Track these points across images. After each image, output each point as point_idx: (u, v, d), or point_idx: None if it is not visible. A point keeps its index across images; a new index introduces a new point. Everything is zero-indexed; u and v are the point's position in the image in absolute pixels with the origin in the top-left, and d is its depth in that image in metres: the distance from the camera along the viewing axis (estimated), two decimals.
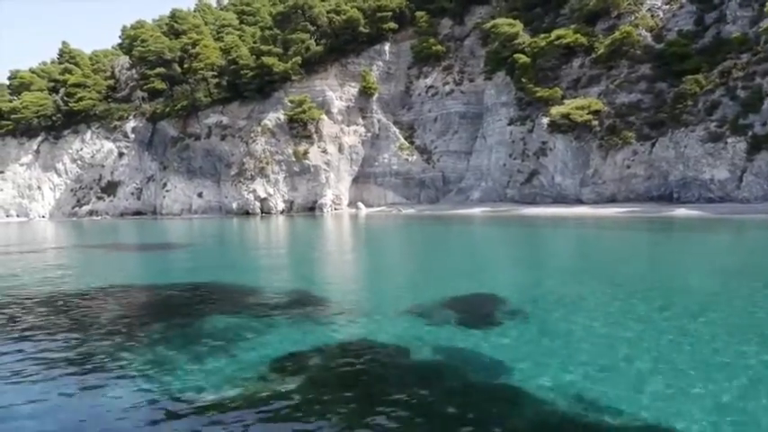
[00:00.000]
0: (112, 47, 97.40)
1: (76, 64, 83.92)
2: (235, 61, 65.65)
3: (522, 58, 50.40)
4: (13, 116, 74.51)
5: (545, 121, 47.75)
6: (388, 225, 39.59)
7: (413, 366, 7.63)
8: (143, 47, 70.82)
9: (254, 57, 64.83)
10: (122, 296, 13.69)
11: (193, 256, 22.82)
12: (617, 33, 46.01)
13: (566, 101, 46.16)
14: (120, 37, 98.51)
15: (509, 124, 51.53)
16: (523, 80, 49.57)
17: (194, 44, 68.73)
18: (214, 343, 8.81)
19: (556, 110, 45.07)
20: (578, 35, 48.24)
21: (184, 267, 19.41)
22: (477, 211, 47.69)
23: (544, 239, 26.28)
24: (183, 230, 41.62)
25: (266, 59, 63.47)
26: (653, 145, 40.79)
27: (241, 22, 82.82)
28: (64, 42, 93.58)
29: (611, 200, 42.00)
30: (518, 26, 53.25)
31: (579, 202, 44.23)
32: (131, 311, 11.88)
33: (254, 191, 62.62)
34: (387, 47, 66.60)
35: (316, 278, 16.29)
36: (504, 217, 41.43)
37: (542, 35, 50.73)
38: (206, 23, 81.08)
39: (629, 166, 41.59)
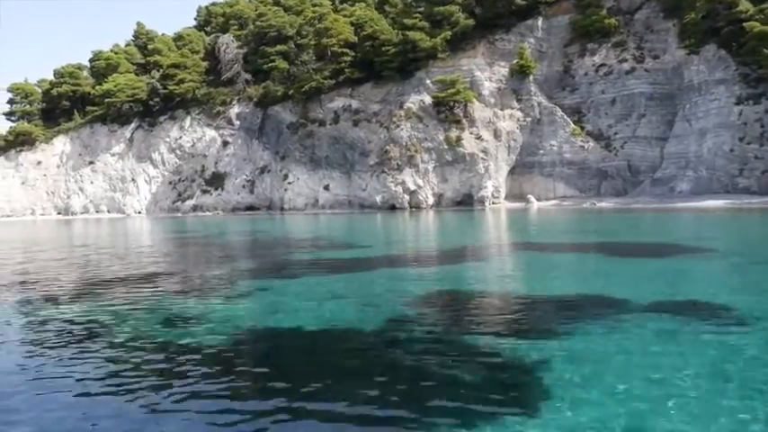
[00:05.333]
0: (185, 28, 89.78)
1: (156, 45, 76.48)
2: (371, 36, 58.30)
3: (758, 27, 43.23)
4: (106, 100, 66.79)
5: None
6: (646, 222, 32.00)
7: None
8: (262, 22, 63.19)
9: (395, 32, 57.52)
10: None
11: None
12: None
13: None
14: (195, 18, 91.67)
15: (737, 104, 44.38)
16: (766, 51, 42.35)
17: (320, 18, 61.22)
18: None
19: None
20: None
21: None
22: (717, 203, 40.38)
23: None
24: (453, 229, 34.10)
25: (411, 34, 56.13)
26: None
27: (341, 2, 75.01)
28: (139, 23, 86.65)
29: None
30: None
31: None
32: None
33: (403, 182, 55.25)
34: (539, 22, 59.37)
35: None
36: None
37: None
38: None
39: None
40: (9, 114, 73.12)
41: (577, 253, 16.40)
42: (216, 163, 67.43)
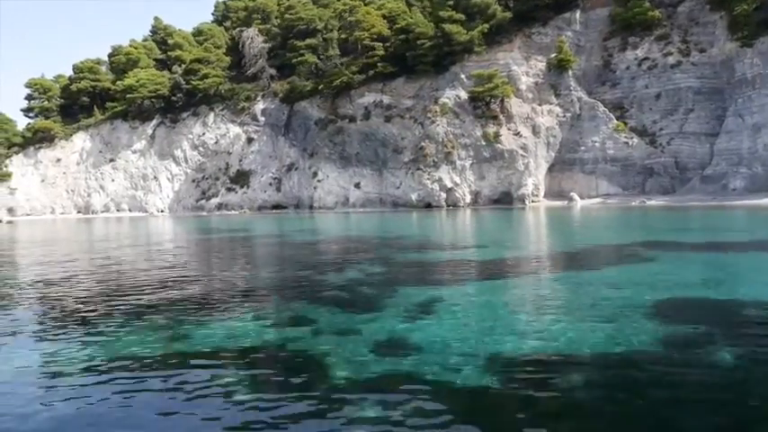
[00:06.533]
0: (203, 23, 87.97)
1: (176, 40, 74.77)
2: (405, 30, 56.56)
3: None
4: (127, 95, 65.03)
5: None
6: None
7: None
8: (290, 14, 61.42)
9: (431, 24, 55.76)
10: None
11: None
12: None
13: None
14: (213, 13, 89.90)
15: None
16: None
17: (351, 11, 59.45)
18: None
19: None
20: None
21: None
22: None
23: None
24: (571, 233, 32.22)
25: (448, 27, 54.38)
26: None
27: None
28: (156, 18, 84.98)
29: None
30: None
31: None
32: None
33: (440, 180, 53.55)
34: (577, 15, 57.69)
35: None
36: None
37: None
38: None
39: None
40: (27, 110, 71.36)
41: (732, 252, 14.67)
42: (240, 160, 65.72)
